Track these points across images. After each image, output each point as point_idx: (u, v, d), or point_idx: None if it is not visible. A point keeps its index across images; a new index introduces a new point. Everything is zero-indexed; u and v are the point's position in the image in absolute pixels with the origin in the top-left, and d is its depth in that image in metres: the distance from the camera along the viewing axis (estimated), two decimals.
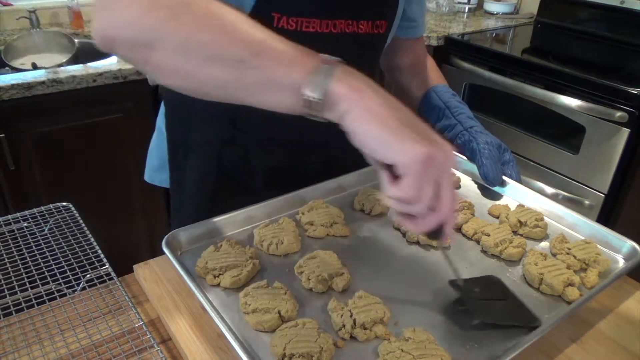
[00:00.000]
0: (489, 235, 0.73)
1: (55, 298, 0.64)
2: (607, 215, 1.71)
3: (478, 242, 0.74)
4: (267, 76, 0.49)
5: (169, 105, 0.94)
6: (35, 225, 0.74)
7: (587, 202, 1.72)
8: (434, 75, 1.05)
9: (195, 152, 0.89)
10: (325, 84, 0.48)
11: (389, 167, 0.49)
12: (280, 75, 0.49)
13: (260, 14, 0.74)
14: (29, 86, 1.40)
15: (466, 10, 2.48)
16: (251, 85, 0.51)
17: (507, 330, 0.59)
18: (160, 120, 0.97)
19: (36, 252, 0.70)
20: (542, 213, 0.79)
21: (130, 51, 0.54)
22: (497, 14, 2.47)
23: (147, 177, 1.06)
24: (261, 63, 0.49)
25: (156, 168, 1.03)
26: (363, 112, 0.47)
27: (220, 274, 0.64)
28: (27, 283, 0.65)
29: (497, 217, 0.81)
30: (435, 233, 0.53)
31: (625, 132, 1.57)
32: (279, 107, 0.51)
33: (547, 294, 0.65)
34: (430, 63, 1.08)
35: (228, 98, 0.54)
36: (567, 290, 0.64)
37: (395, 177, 0.49)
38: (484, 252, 0.73)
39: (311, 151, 0.88)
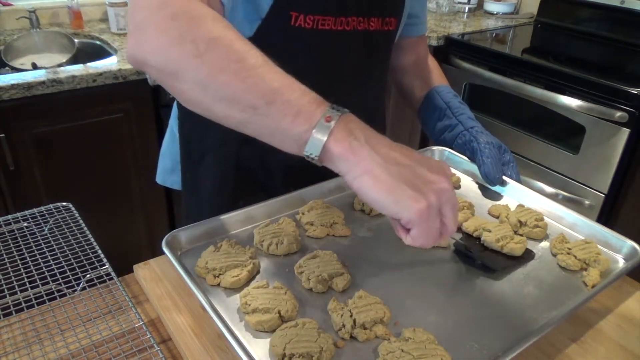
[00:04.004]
0: (490, 231, 0.73)
1: (55, 298, 0.64)
2: (607, 215, 1.71)
3: (479, 238, 0.74)
4: (275, 124, 0.52)
5: (183, 108, 0.94)
6: (35, 225, 0.74)
7: (587, 202, 1.72)
8: (436, 76, 1.05)
9: (212, 153, 0.89)
10: (322, 142, 0.51)
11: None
12: (285, 126, 0.52)
13: (279, 13, 0.75)
14: (29, 86, 1.40)
15: (466, 10, 2.48)
16: (261, 128, 0.54)
17: (505, 327, 0.59)
18: (173, 122, 0.97)
19: (36, 252, 0.70)
20: (542, 213, 0.79)
21: (158, 75, 0.57)
22: (497, 14, 2.47)
23: (159, 179, 1.06)
24: (271, 112, 0.52)
25: (168, 170, 1.03)
26: (361, 175, 0.50)
27: (220, 274, 0.64)
28: (27, 283, 0.65)
29: (497, 217, 0.81)
30: None
31: (625, 132, 1.57)
32: (286, 150, 0.54)
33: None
34: (433, 63, 1.08)
35: (242, 131, 0.56)
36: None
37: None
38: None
39: None
